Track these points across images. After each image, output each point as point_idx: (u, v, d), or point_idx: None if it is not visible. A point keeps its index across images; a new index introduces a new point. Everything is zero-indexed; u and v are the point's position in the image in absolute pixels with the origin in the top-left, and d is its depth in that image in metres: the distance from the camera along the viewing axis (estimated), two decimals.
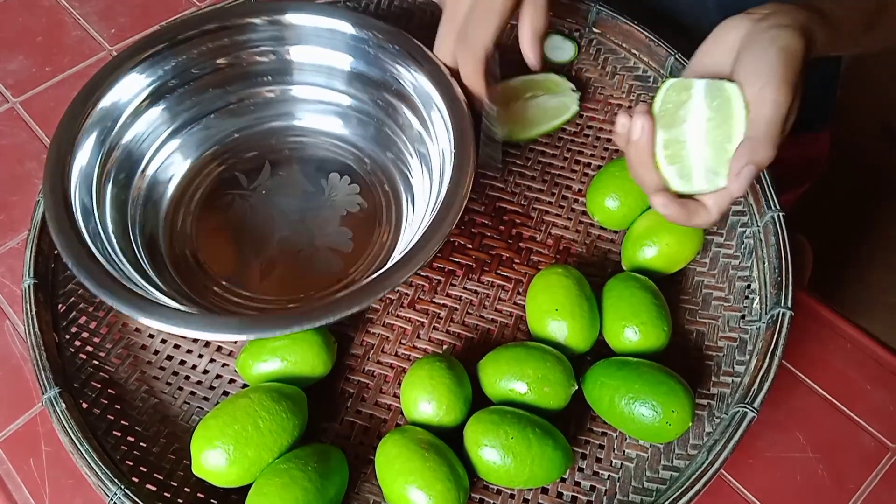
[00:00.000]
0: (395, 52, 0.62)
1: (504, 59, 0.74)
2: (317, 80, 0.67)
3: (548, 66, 0.74)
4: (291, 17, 0.63)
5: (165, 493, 0.51)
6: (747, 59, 0.49)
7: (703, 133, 0.49)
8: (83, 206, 0.55)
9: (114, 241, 0.56)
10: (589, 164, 0.68)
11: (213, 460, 0.48)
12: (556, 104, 0.69)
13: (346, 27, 0.63)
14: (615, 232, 0.64)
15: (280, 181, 0.66)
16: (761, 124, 0.47)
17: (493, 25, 0.56)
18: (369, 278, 0.51)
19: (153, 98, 0.62)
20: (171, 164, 0.65)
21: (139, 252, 0.59)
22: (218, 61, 0.64)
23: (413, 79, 0.62)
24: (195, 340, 0.58)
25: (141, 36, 0.78)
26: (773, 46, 0.48)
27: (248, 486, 0.49)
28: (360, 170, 0.67)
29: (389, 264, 0.52)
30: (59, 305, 0.57)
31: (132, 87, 0.61)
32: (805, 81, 0.50)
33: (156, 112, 0.63)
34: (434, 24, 0.75)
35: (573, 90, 0.69)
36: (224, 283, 0.60)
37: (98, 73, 0.59)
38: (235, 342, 0.58)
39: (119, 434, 0.53)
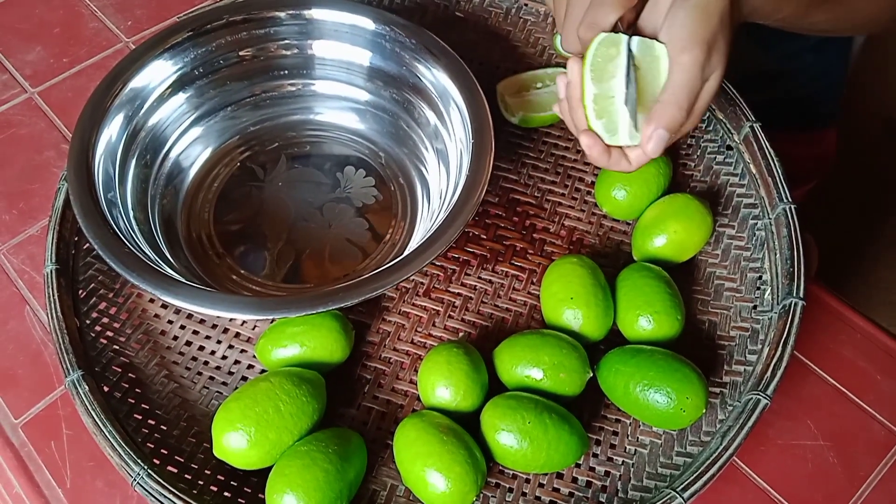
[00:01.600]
0: (413, 48, 0.63)
1: (514, 52, 0.75)
2: (337, 76, 0.68)
3: (559, 59, 0.75)
4: (314, 12, 0.64)
5: (186, 475, 0.52)
6: (669, 18, 0.48)
7: (633, 92, 0.49)
8: (106, 176, 0.56)
9: (131, 214, 0.58)
10: None
11: (234, 442, 0.49)
12: None
13: (367, 22, 0.64)
14: (627, 223, 0.65)
15: (296, 173, 0.67)
16: (669, 87, 0.48)
17: (618, 7, 0.50)
18: (389, 264, 0.52)
19: (178, 85, 0.63)
20: (193, 150, 0.66)
21: (156, 230, 0.60)
22: (241, 53, 0.65)
23: (431, 74, 0.63)
24: (214, 326, 0.59)
25: (160, 27, 0.79)
26: (688, 4, 0.47)
27: (267, 469, 0.50)
28: (376, 164, 0.68)
29: (408, 251, 0.52)
30: (80, 291, 0.58)
31: (158, 73, 0.62)
32: (739, 44, 0.49)
33: (180, 99, 0.64)
34: (448, 19, 0.76)
35: None
36: (241, 270, 0.61)
37: (126, 58, 0.61)
38: (255, 328, 0.59)
39: (140, 417, 0.54)
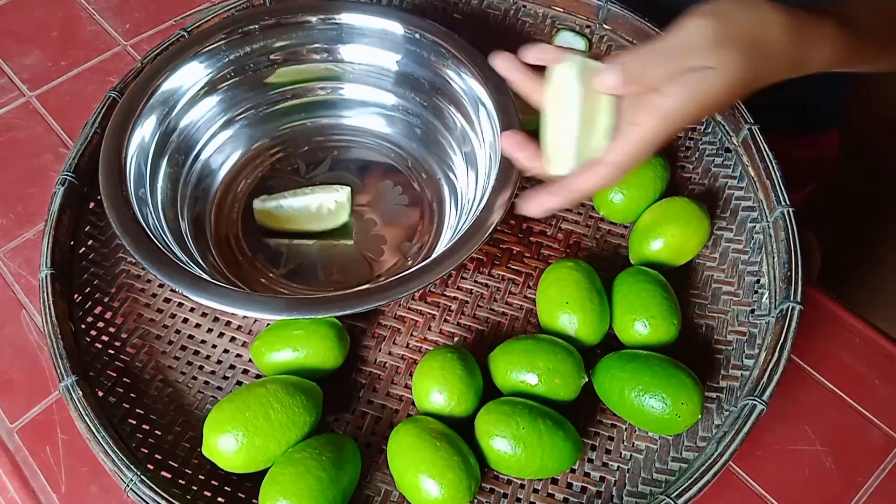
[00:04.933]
0: (443, 52, 0.63)
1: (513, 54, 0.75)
2: (366, 79, 0.69)
3: None
4: (344, 17, 0.65)
5: (180, 481, 0.52)
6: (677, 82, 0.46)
7: (569, 117, 0.47)
8: (137, 174, 0.57)
9: (161, 212, 0.58)
10: None
11: (221, 444, 0.49)
12: None
13: (397, 27, 0.64)
14: (624, 227, 0.65)
15: (332, 178, 0.67)
16: (619, 147, 0.46)
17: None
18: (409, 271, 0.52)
19: (210, 88, 0.64)
20: (223, 152, 0.67)
21: (185, 229, 0.61)
22: (272, 57, 0.66)
23: (459, 77, 0.63)
24: (209, 331, 0.59)
25: (158, 30, 0.80)
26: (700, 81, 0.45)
27: (259, 474, 0.50)
28: (408, 176, 0.68)
29: (438, 249, 0.53)
30: (76, 295, 0.58)
31: (191, 75, 0.62)
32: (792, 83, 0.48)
33: (212, 101, 0.65)
34: (446, 21, 0.75)
35: None
36: (269, 272, 0.62)
37: (160, 59, 0.61)
38: (249, 332, 0.59)
39: (134, 422, 0.54)
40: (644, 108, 0.45)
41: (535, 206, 0.49)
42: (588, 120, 0.47)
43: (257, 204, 0.63)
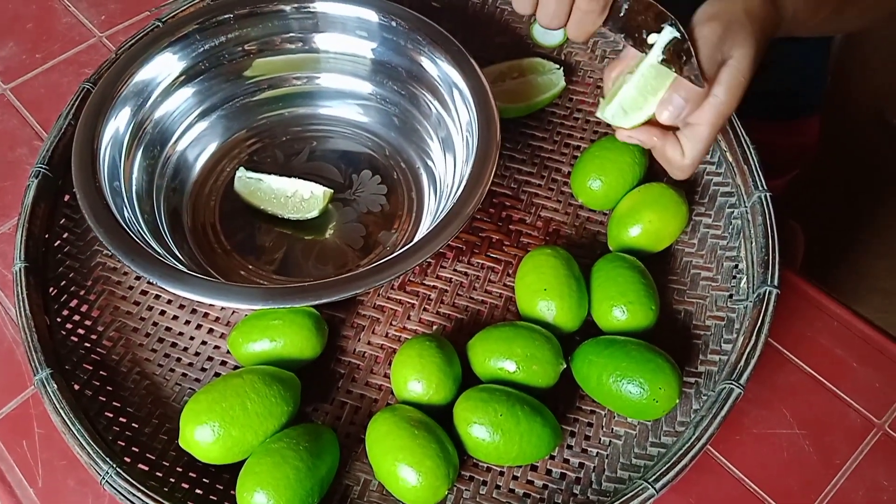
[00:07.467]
0: (418, 39, 0.63)
1: (491, 42, 0.75)
2: (342, 69, 0.68)
3: (537, 49, 0.74)
4: (318, 5, 0.64)
5: (157, 473, 0.51)
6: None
7: (640, 77, 0.51)
8: (111, 164, 0.57)
9: (136, 203, 0.58)
10: (578, 147, 0.68)
11: (198, 435, 0.49)
12: (544, 81, 0.69)
13: (371, 14, 0.64)
14: (604, 214, 0.65)
15: (310, 168, 0.67)
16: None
17: None
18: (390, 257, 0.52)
19: (185, 78, 0.64)
20: (199, 143, 0.66)
21: (161, 221, 0.60)
22: (247, 47, 0.66)
23: (434, 64, 0.63)
24: (187, 322, 0.58)
25: (134, 21, 0.79)
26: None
27: (237, 465, 0.49)
28: (387, 164, 0.67)
29: (418, 237, 0.53)
30: (51, 288, 0.58)
31: (165, 66, 0.62)
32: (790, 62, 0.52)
33: (187, 92, 0.64)
34: (424, 9, 0.75)
35: (557, 68, 0.70)
36: (248, 264, 0.61)
37: (132, 50, 0.61)
38: (228, 323, 0.58)
39: (111, 415, 0.54)
40: (701, 110, 0.51)
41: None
42: (649, 84, 0.51)
43: (240, 173, 0.64)
